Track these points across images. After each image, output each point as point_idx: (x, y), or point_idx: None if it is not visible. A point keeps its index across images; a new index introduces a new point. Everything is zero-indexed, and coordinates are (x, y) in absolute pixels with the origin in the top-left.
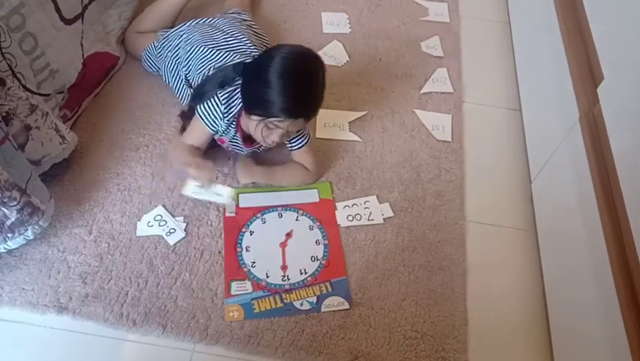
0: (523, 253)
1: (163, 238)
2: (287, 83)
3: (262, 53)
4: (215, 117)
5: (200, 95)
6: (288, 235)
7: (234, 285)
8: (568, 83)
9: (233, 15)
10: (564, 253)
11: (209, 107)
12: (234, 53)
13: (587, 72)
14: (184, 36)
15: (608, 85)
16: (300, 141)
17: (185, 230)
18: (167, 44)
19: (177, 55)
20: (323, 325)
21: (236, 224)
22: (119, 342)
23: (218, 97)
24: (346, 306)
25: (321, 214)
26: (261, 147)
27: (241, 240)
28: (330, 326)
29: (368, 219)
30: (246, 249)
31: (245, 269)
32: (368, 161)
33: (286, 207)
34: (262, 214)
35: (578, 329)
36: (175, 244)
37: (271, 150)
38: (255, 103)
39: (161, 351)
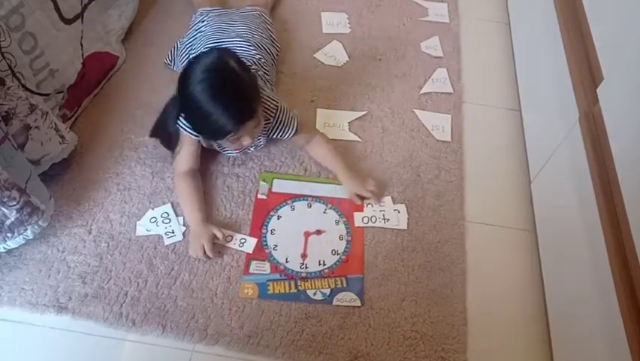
0: (523, 253)
1: (162, 237)
2: (217, 103)
3: (179, 85)
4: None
5: (165, 133)
6: (318, 231)
7: (254, 264)
8: (568, 84)
9: (254, 12)
10: (564, 253)
11: (184, 124)
12: None
13: (587, 72)
14: (201, 28)
15: (608, 85)
16: (288, 131)
17: (183, 234)
18: (190, 32)
19: (191, 45)
20: (323, 325)
21: (266, 207)
22: (119, 342)
23: (183, 122)
24: (358, 303)
25: (349, 211)
26: (251, 147)
27: (268, 222)
28: (329, 326)
29: (389, 222)
30: (271, 232)
31: (266, 251)
32: (368, 161)
33: (316, 198)
34: (292, 201)
35: (578, 329)
36: (174, 244)
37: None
38: (206, 134)
39: (160, 351)
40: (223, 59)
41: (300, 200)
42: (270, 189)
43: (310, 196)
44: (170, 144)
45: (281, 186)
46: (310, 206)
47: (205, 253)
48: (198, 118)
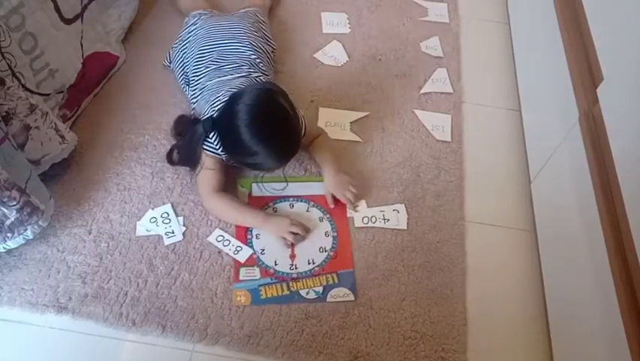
0: (523, 253)
1: (162, 237)
2: (268, 144)
3: (226, 113)
4: (217, 150)
5: (190, 156)
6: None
7: (243, 271)
8: (568, 84)
9: (247, 12)
10: (564, 254)
11: (208, 145)
12: (227, 61)
13: (586, 72)
14: (193, 30)
15: (607, 85)
16: None
17: (183, 234)
18: (182, 34)
19: (185, 48)
20: (323, 325)
21: None
22: (119, 342)
23: (209, 141)
24: (351, 298)
25: (333, 208)
26: None
27: (252, 227)
28: (329, 326)
29: (389, 223)
30: (256, 236)
31: (254, 256)
32: (368, 161)
33: (298, 198)
34: (274, 204)
35: (578, 330)
36: (174, 244)
37: None
38: (246, 165)
39: (160, 351)
40: (272, 95)
41: (281, 201)
42: (249, 194)
43: (291, 196)
44: (193, 165)
45: (260, 189)
46: (292, 206)
47: (296, 233)
48: (237, 149)
